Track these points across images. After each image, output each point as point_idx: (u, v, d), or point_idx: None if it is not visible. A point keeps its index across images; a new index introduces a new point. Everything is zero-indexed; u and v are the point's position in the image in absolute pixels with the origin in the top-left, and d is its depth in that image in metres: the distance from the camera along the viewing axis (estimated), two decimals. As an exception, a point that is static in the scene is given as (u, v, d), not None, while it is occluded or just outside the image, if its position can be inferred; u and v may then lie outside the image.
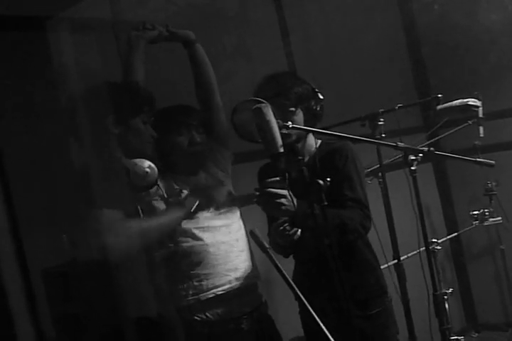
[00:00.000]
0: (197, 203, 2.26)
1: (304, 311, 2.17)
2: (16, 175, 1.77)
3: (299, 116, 2.27)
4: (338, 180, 2.19)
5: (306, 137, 2.34)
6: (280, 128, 1.85)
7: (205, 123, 2.43)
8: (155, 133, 2.17)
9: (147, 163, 2.02)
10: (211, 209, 2.36)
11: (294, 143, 2.27)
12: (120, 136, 2.10)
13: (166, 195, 2.30)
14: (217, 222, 2.36)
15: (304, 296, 1.69)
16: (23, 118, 1.61)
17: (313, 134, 2.35)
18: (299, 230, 2.12)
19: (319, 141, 2.38)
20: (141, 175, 2.01)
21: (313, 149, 2.35)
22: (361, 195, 2.23)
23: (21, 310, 1.58)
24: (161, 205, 2.28)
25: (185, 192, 2.34)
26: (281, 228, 2.10)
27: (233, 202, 2.45)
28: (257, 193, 2.02)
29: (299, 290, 1.68)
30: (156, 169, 2.03)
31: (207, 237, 2.31)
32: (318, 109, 2.30)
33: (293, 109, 2.25)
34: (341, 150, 2.28)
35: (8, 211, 1.57)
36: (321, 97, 2.31)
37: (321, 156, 2.29)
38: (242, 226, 2.45)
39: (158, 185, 2.24)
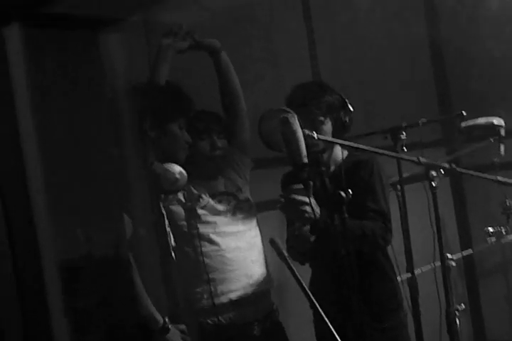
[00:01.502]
0: None
1: (318, 320, 2.19)
2: (50, 166, 1.78)
3: (328, 126, 2.29)
4: (362, 192, 2.20)
5: (333, 147, 2.35)
6: (306, 139, 1.87)
7: (228, 129, 2.44)
8: (190, 139, 2.18)
9: (178, 169, 2.03)
10: (229, 215, 2.38)
11: (319, 154, 2.28)
12: (155, 140, 2.12)
13: (184, 200, 2.33)
14: (234, 228, 2.38)
15: (320, 305, 1.70)
16: (69, 113, 1.65)
17: (340, 145, 2.36)
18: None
19: (346, 152, 2.39)
20: (171, 180, 2.02)
21: (340, 160, 2.36)
22: (384, 207, 2.24)
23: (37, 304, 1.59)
24: (179, 210, 2.31)
25: (204, 197, 2.37)
26: (297, 232, 2.11)
27: (251, 208, 2.47)
28: (282, 199, 2.04)
29: (315, 299, 1.70)
30: (185, 175, 2.04)
31: (223, 242, 2.33)
32: (347, 120, 2.31)
33: (322, 118, 2.26)
34: (367, 162, 2.29)
35: (25, 202, 1.57)
36: (351, 109, 2.32)
37: (347, 168, 2.30)
38: (259, 233, 2.47)
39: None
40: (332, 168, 2.36)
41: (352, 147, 2.18)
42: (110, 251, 1.99)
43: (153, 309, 2.03)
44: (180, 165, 2.07)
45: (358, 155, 2.34)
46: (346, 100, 2.33)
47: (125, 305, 1.97)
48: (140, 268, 2.02)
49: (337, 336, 1.61)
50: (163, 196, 2.27)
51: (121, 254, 1.97)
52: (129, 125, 1.92)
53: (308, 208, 2.01)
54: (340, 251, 1.85)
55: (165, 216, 2.14)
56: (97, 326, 1.90)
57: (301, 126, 1.85)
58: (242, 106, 2.48)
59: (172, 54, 2.30)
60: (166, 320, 2.04)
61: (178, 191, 2.15)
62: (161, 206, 2.16)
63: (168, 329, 2.04)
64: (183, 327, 2.11)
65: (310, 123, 2.18)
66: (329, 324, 1.62)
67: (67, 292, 1.97)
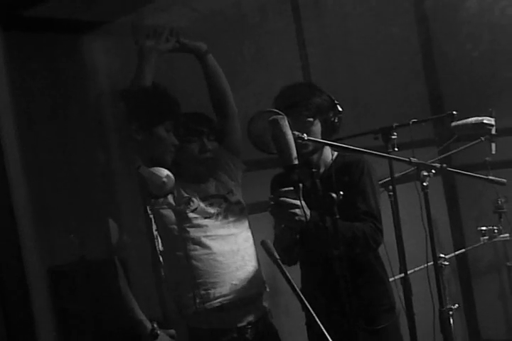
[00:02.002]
0: None
1: (310, 322, 2.18)
2: (35, 172, 1.76)
3: (317, 127, 2.28)
4: (353, 192, 2.20)
5: (322, 148, 2.34)
6: (295, 140, 1.86)
7: (219, 131, 2.43)
8: (177, 142, 2.17)
9: (165, 173, 2.02)
10: (220, 218, 2.37)
11: (309, 155, 2.27)
12: (141, 143, 2.11)
13: (174, 203, 2.31)
14: (226, 231, 2.36)
15: (312, 307, 1.69)
16: (53, 117, 1.64)
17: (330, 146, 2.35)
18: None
19: (335, 153, 2.39)
20: (158, 184, 2.01)
21: (330, 161, 2.36)
22: (375, 208, 2.24)
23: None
24: (169, 213, 2.29)
25: (195, 200, 2.35)
26: (283, 226, 2.09)
27: (242, 211, 2.45)
28: (271, 202, 2.03)
29: (307, 301, 1.69)
30: (173, 178, 2.03)
31: (215, 246, 2.31)
32: (336, 121, 2.30)
33: (311, 119, 2.26)
34: (358, 163, 2.28)
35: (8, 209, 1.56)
36: (340, 109, 2.31)
37: (337, 168, 2.29)
38: (251, 235, 2.45)
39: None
40: (322, 169, 2.35)
41: (343, 148, 2.17)
42: (101, 255, 1.99)
43: (141, 315, 2.03)
44: (166, 168, 2.06)
45: (348, 155, 2.34)
46: (336, 101, 2.33)
47: (115, 308, 1.97)
48: (127, 273, 2.01)
49: (329, 338, 1.60)
50: (152, 200, 2.26)
51: (111, 258, 1.97)
52: (115, 129, 1.91)
53: (298, 211, 1.99)
54: (330, 253, 1.85)
55: (152, 220, 2.13)
56: (86, 329, 1.89)
57: (290, 127, 1.84)
58: (232, 107, 2.47)
59: (155, 56, 2.28)
60: (155, 325, 2.04)
61: (166, 195, 2.14)
62: (148, 210, 2.14)
63: (156, 335, 2.03)
64: (172, 332, 2.10)
65: (299, 124, 2.17)
66: (321, 325, 1.61)
67: (57, 295, 1.96)
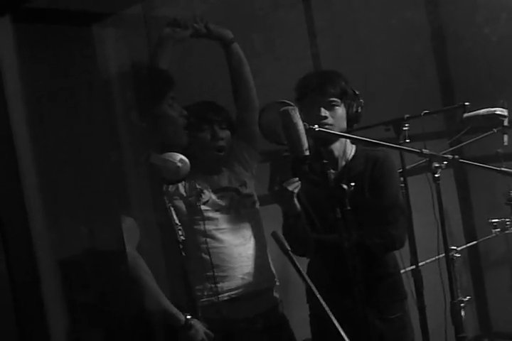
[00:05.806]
0: None
1: (315, 315, 2.19)
2: (45, 162, 1.76)
3: (342, 108, 2.27)
4: (376, 191, 2.23)
5: (346, 140, 2.32)
6: (306, 132, 1.86)
7: (236, 120, 2.41)
8: (185, 112, 2.10)
9: (178, 157, 1.96)
10: (231, 211, 2.35)
11: (332, 141, 2.27)
12: (147, 129, 2.05)
13: (185, 195, 2.29)
14: (237, 225, 2.35)
15: (323, 297, 1.68)
16: (62, 108, 1.63)
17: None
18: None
19: (354, 145, 2.37)
20: (172, 170, 1.95)
21: (349, 153, 2.34)
22: (396, 210, 2.25)
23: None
24: (180, 205, 2.27)
25: (206, 192, 2.33)
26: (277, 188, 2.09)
27: (254, 204, 2.43)
28: (276, 188, 2.03)
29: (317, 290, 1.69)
30: (187, 162, 1.98)
31: (225, 239, 2.30)
32: (358, 111, 2.30)
33: (337, 99, 2.25)
34: (384, 160, 2.29)
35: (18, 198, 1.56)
36: (361, 101, 2.31)
37: (360, 162, 2.29)
38: (262, 229, 2.43)
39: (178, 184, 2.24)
40: (343, 161, 2.33)
41: (355, 139, 2.16)
42: (111, 246, 1.98)
43: (173, 308, 2.02)
44: (183, 146, 2.01)
45: (371, 149, 2.32)
46: (357, 92, 2.32)
47: (127, 299, 1.96)
48: (151, 267, 1.99)
49: (340, 329, 1.59)
50: (168, 188, 2.23)
51: (121, 249, 1.95)
52: (126, 121, 1.89)
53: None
54: (343, 245, 1.85)
55: (172, 210, 2.10)
56: (98, 320, 1.89)
57: (301, 118, 1.84)
58: (253, 98, 2.44)
59: (171, 43, 2.26)
60: (188, 316, 2.03)
61: (182, 180, 2.08)
62: (166, 200, 2.12)
63: (191, 326, 2.03)
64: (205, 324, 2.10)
65: (325, 102, 2.18)
66: (332, 316, 1.60)
67: (69, 286, 1.96)
